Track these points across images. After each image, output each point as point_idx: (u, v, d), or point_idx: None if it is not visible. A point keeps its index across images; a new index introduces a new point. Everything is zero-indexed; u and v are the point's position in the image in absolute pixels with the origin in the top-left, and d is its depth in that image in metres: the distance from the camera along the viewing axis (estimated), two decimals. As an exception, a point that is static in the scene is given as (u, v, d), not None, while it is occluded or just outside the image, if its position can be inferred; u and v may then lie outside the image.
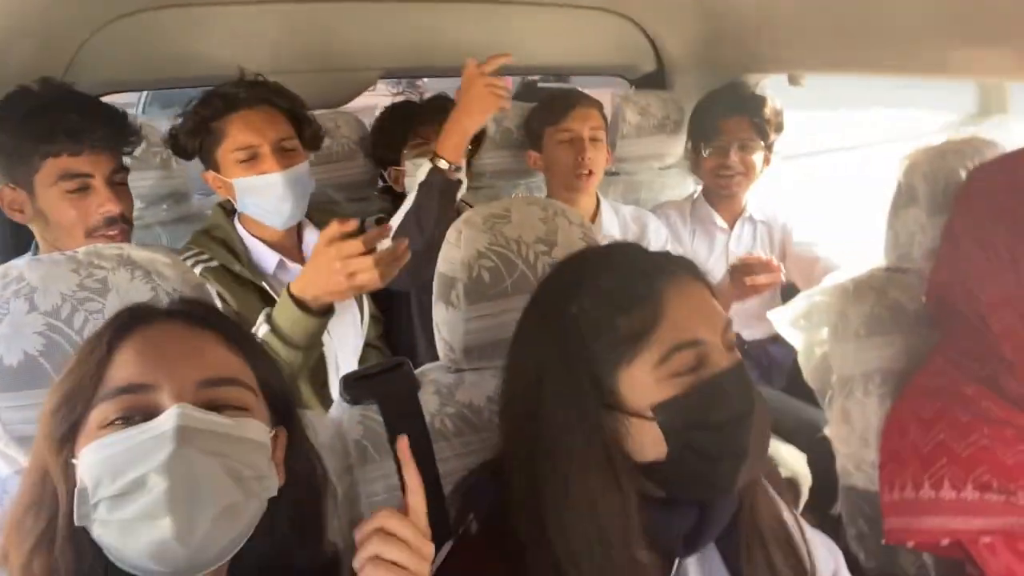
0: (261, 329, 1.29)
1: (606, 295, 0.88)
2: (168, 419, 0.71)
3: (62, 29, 1.73)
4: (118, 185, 1.49)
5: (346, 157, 2.16)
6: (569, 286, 0.92)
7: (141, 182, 1.92)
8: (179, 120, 1.64)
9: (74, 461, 0.72)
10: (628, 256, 0.94)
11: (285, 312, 1.28)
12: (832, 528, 1.51)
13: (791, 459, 1.76)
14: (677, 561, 0.92)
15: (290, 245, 1.72)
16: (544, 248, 1.10)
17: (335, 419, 1.09)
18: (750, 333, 2.26)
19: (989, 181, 1.32)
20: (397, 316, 1.92)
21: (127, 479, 0.69)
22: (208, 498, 0.70)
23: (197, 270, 1.53)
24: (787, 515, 1.01)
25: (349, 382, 1.11)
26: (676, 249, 2.17)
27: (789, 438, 1.88)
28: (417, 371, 1.16)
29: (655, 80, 2.59)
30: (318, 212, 1.81)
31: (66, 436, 0.74)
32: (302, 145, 1.68)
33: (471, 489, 0.96)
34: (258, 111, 1.60)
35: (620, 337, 0.86)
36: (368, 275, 1.21)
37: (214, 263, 1.58)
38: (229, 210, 1.72)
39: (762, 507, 0.95)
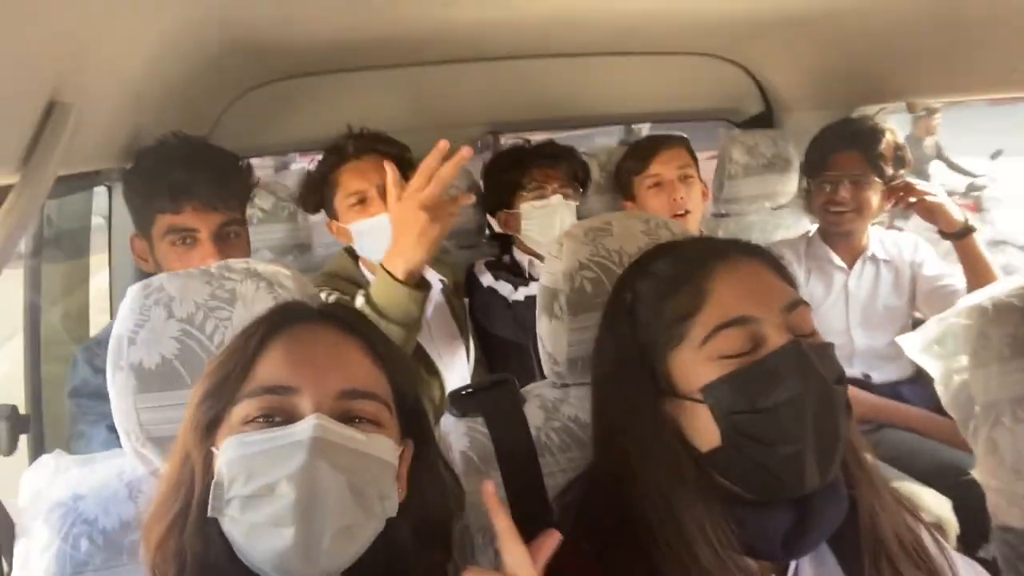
0: (357, 302, 1.32)
1: (657, 280, 0.89)
2: (305, 428, 0.73)
3: (203, 99, 1.93)
4: (229, 238, 1.51)
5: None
6: (628, 276, 0.94)
7: (270, 235, 2.08)
8: (301, 181, 1.83)
9: (214, 450, 0.76)
10: (685, 244, 0.94)
11: (381, 286, 1.29)
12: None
13: (933, 503, 1.61)
14: (794, 565, 0.86)
15: None
16: (647, 259, 1.09)
17: (443, 432, 1.10)
18: (880, 375, 2.12)
19: None
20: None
21: (260, 483, 0.72)
22: (332, 514, 0.72)
23: None
24: (924, 533, 0.93)
25: (456, 396, 1.13)
26: None
27: (929, 483, 1.72)
28: (524, 388, 1.17)
29: (763, 121, 2.56)
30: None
31: (210, 425, 0.78)
32: None
33: (570, 496, 0.96)
34: (365, 160, 1.74)
35: (668, 320, 0.85)
36: (448, 214, 1.26)
37: (346, 297, 1.66)
38: (353, 256, 1.84)
39: (885, 516, 0.88)
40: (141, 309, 0.96)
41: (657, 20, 2.00)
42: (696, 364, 0.84)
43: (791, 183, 2.43)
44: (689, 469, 0.84)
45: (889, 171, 2.07)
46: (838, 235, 2.15)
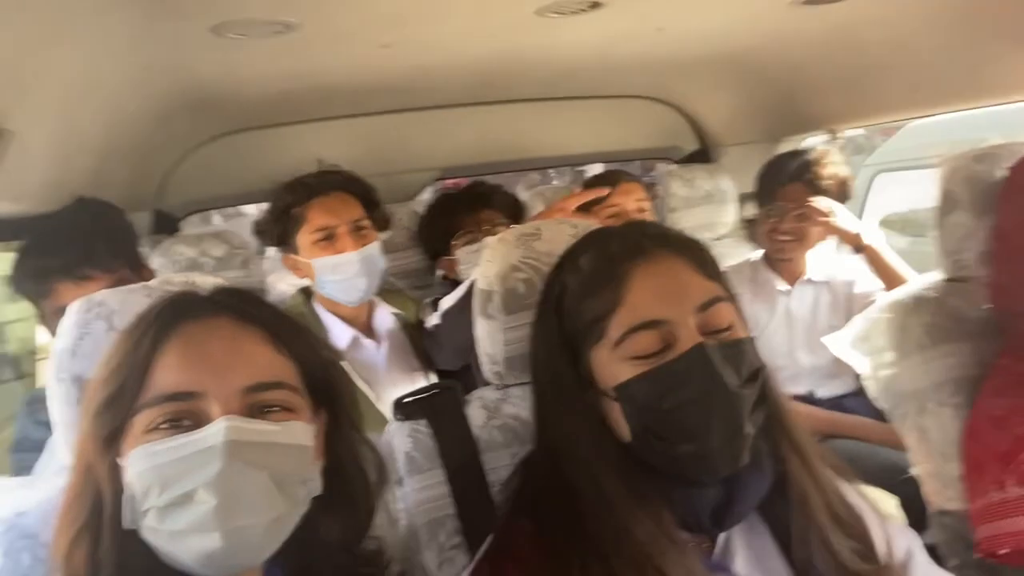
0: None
1: (581, 276, 0.92)
2: (216, 433, 0.71)
3: (152, 151, 1.97)
4: None
5: (406, 247, 2.30)
6: (559, 268, 0.98)
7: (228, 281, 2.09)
8: (264, 212, 1.83)
9: (120, 461, 0.74)
10: (612, 236, 0.96)
11: None
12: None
13: (879, 501, 1.65)
14: (723, 537, 0.89)
15: (363, 322, 1.86)
16: (575, 260, 1.15)
17: (387, 438, 1.13)
18: (825, 391, 2.18)
19: (1030, 174, 1.32)
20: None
21: (176, 492, 0.71)
22: (257, 512, 0.72)
23: None
24: (865, 508, 0.98)
25: (400, 402, 1.15)
26: None
27: (875, 485, 1.76)
28: (467, 395, 1.20)
29: (700, 158, 2.68)
30: (384, 293, 1.95)
31: (110, 437, 0.75)
32: (373, 226, 1.83)
33: (513, 482, 0.98)
34: (333, 196, 1.77)
35: (588, 318, 0.89)
36: None
37: None
38: (308, 294, 1.86)
39: (817, 489, 0.92)
40: (82, 323, 0.98)
41: (591, 64, 2.12)
42: (611, 363, 0.87)
43: (729, 214, 2.54)
44: (614, 454, 0.87)
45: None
46: (780, 261, 2.25)
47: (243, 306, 0.82)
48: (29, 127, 1.14)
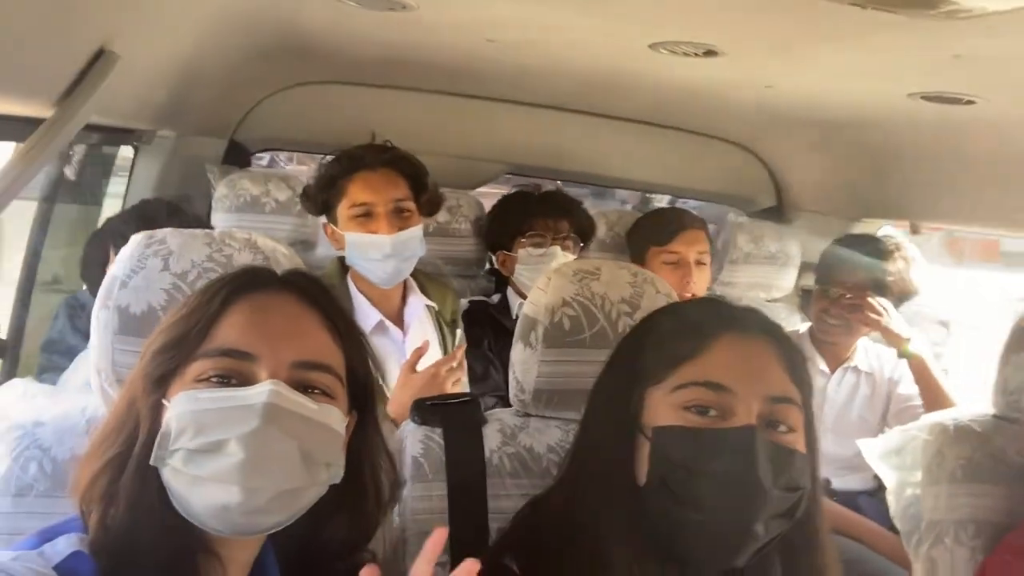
0: None
1: (674, 317, 0.93)
2: (260, 393, 0.74)
3: (245, 86, 2.00)
4: None
5: (462, 234, 2.30)
6: (652, 315, 0.99)
7: (279, 225, 2.12)
8: (310, 179, 1.77)
9: (164, 402, 0.77)
10: (712, 300, 0.96)
11: None
12: None
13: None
14: None
15: (393, 306, 1.79)
16: (627, 309, 1.13)
17: (401, 435, 1.13)
18: (842, 483, 2.12)
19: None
20: None
21: (209, 439, 0.73)
22: (278, 477, 0.74)
23: None
24: None
25: (421, 405, 1.15)
26: None
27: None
28: (487, 411, 1.19)
29: (772, 216, 2.63)
30: (426, 279, 1.89)
31: (162, 378, 0.78)
32: (418, 210, 1.75)
33: (514, 525, 0.97)
34: (380, 173, 1.68)
35: (663, 359, 0.89)
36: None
37: None
38: (344, 266, 1.79)
39: None
40: (139, 257, 0.99)
41: (691, 98, 2.08)
42: (662, 405, 0.87)
43: (788, 279, 2.48)
44: (624, 495, 0.86)
45: (890, 298, 2.07)
46: (825, 342, 2.18)
47: (311, 290, 0.85)
48: (134, 50, 1.15)
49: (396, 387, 1.43)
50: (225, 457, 0.73)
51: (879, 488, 2.03)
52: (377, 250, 1.67)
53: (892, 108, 1.67)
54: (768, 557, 0.86)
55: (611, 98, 2.16)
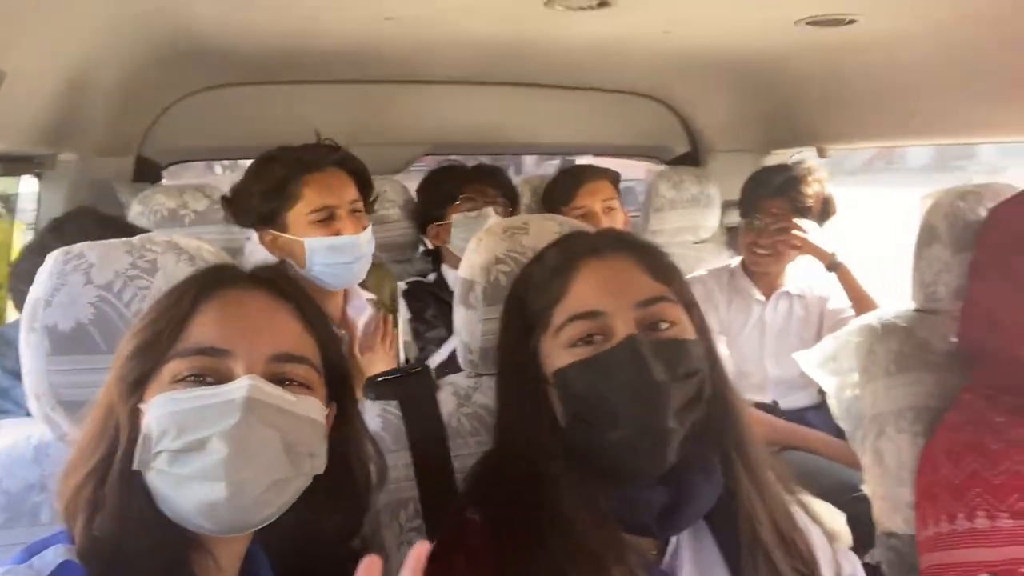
0: None
1: (542, 269, 0.97)
2: (239, 388, 0.74)
3: (143, 97, 1.93)
4: None
5: (391, 219, 2.29)
6: (527, 265, 1.03)
7: (206, 235, 2.05)
8: (243, 187, 1.65)
9: (141, 407, 0.76)
10: (572, 237, 1.02)
11: None
12: (871, 579, 1.43)
13: (827, 516, 1.69)
14: (675, 542, 0.91)
15: (337, 306, 1.76)
16: (561, 257, 1.15)
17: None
18: (788, 402, 2.23)
19: (1012, 214, 1.34)
20: None
21: (191, 437, 0.73)
22: (263, 469, 0.74)
23: None
24: (813, 528, 1.00)
25: (373, 381, 1.15)
26: (710, 316, 2.18)
27: (826, 500, 1.81)
28: (439, 379, 1.21)
29: (689, 161, 2.70)
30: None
31: (137, 382, 0.77)
32: (365, 208, 1.73)
33: (469, 479, 1.00)
34: (330, 174, 1.64)
35: (540, 307, 0.93)
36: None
37: None
38: None
39: (763, 507, 0.94)
40: (59, 274, 0.97)
41: (592, 57, 2.11)
42: (553, 350, 0.91)
43: (712, 219, 2.56)
44: (559, 444, 0.90)
45: (813, 220, 2.17)
46: (758, 272, 2.28)
47: (279, 283, 0.85)
48: (16, 65, 1.11)
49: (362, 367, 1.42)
50: (209, 454, 0.73)
51: (823, 402, 2.14)
52: (348, 253, 1.64)
53: (782, 37, 1.74)
54: (701, 450, 0.90)
55: (516, 65, 2.18)
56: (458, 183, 2.13)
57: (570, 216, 2.18)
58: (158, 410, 0.75)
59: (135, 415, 0.77)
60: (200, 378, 0.76)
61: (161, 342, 0.78)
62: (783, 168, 2.29)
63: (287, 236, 1.63)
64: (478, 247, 1.16)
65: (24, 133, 1.42)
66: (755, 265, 2.25)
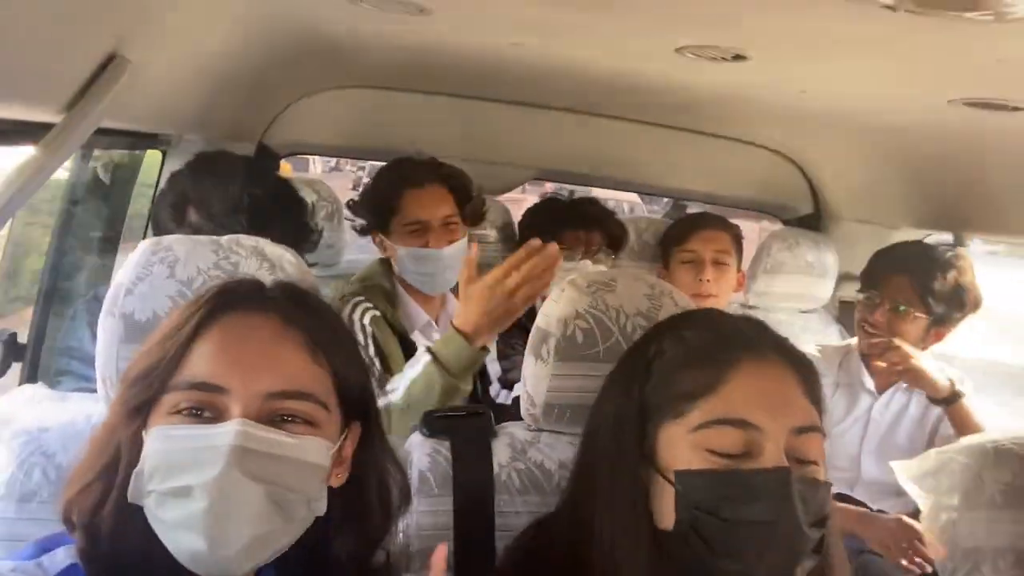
0: (423, 360, 1.37)
1: (683, 346, 0.87)
2: (226, 434, 0.71)
3: (269, 91, 2.00)
4: None
5: (487, 240, 2.29)
6: (658, 330, 0.94)
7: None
8: (364, 190, 1.88)
9: (144, 434, 0.75)
10: (727, 321, 0.92)
11: (450, 344, 1.37)
12: None
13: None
14: None
15: (436, 307, 1.89)
16: (644, 322, 1.08)
17: (408, 448, 1.10)
18: (878, 507, 2.01)
19: None
20: None
21: (176, 483, 0.71)
22: (245, 524, 0.71)
23: (367, 318, 1.68)
24: None
25: (430, 417, 1.13)
26: None
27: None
28: (498, 425, 1.17)
29: (809, 223, 2.55)
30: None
31: (139, 408, 0.76)
32: (463, 221, 1.85)
33: (514, 551, 0.94)
34: (427, 190, 1.79)
35: (676, 392, 0.84)
36: (527, 289, 1.31)
37: (378, 312, 1.71)
38: (390, 268, 1.86)
39: None
40: (145, 264, 0.99)
41: (722, 102, 2.02)
42: (683, 446, 0.82)
43: (825, 289, 2.40)
44: (646, 539, 0.82)
45: (940, 308, 1.90)
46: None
47: (292, 307, 0.81)
48: (148, 55, 1.15)
49: (460, 302, 1.40)
50: (191, 503, 0.71)
51: (916, 514, 1.94)
52: (432, 264, 1.79)
53: (932, 114, 1.60)
54: None
55: (639, 101, 2.12)
56: (557, 225, 2.09)
57: (678, 260, 2.12)
58: (153, 444, 0.73)
59: (137, 440, 0.75)
60: (197, 412, 0.74)
61: (160, 371, 0.76)
62: (918, 244, 2.06)
63: (389, 242, 1.81)
64: (559, 298, 1.11)
65: (150, 117, 1.49)
66: (865, 348, 2.01)
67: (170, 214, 1.44)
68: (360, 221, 1.89)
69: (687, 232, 2.15)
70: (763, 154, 2.47)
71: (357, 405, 0.84)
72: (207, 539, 0.70)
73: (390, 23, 1.51)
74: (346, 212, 2.02)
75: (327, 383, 0.80)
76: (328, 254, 2.17)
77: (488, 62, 1.87)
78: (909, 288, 1.91)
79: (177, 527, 0.71)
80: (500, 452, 1.10)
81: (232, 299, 0.80)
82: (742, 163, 2.48)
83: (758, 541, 0.77)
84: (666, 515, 0.82)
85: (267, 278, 0.99)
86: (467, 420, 1.13)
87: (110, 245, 1.86)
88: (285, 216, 1.53)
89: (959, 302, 1.91)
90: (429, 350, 1.38)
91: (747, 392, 0.82)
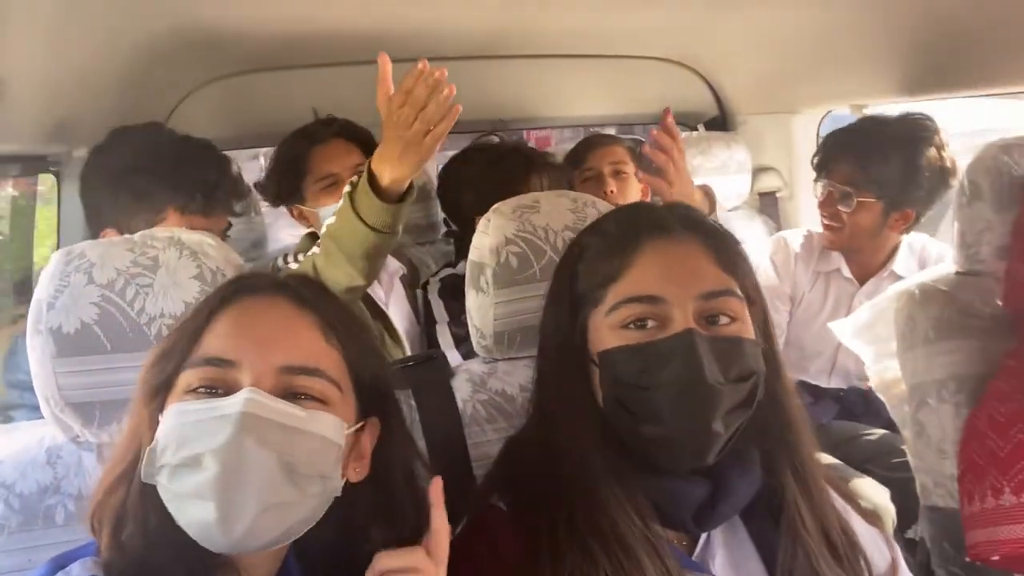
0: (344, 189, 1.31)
1: (600, 239, 0.91)
2: (236, 402, 0.72)
3: (156, 90, 1.92)
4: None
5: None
6: (583, 232, 0.97)
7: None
8: (266, 169, 1.83)
9: (160, 416, 0.75)
10: (640, 209, 0.96)
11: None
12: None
13: (871, 492, 1.64)
14: (704, 537, 0.87)
15: None
16: (572, 235, 1.10)
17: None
18: (850, 381, 2.06)
19: (1057, 169, 1.26)
20: None
21: (187, 453, 0.71)
22: (256, 492, 0.70)
23: None
24: (857, 526, 0.95)
25: (386, 371, 1.13)
26: (785, 284, 2.03)
27: (867, 462, 1.76)
28: (454, 365, 1.18)
29: (718, 125, 2.60)
30: None
31: (158, 389, 0.77)
32: None
33: (496, 466, 0.97)
34: (334, 143, 1.77)
35: (595, 281, 0.88)
36: (445, 123, 1.23)
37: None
38: (315, 240, 1.79)
39: (811, 509, 0.89)
40: (61, 275, 0.96)
41: (610, 23, 2.03)
42: (602, 329, 0.87)
43: (743, 185, 2.47)
44: (595, 421, 0.86)
45: (892, 190, 1.81)
46: (850, 248, 1.97)
47: (304, 291, 0.83)
48: (17, 68, 1.10)
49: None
50: (202, 471, 0.71)
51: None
52: None
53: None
54: (743, 447, 0.86)
55: (528, 35, 2.10)
56: (503, 175, 1.96)
57: (579, 179, 2.13)
58: (168, 421, 0.74)
59: (154, 425, 0.76)
60: (211, 389, 0.75)
61: (177, 351, 0.77)
62: (869, 119, 1.94)
63: (307, 208, 1.76)
64: (487, 228, 1.13)
65: (32, 134, 1.42)
66: (828, 243, 1.98)
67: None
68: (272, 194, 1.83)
69: (583, 153, 2.17)
70: (661, 66, 2.49)
71: (373, 396, 0.84)
72: (217, 506, 0.69)
73: (264, 3, 1.47)
74: (257, 195, 1.98)
75: (340, 365, 0.80)
76: (251, 238, 2.14)
77: (373, 21, 1.84)
78: (854, 171, 1.84)
79: (188, 497, 0.71)
80: (461, 388, 1.12)
81: (246, 285, 0.82)
82: (644, 80, 2.50)
83: (671, 402, 0.81)
84: (599, 396, 0.87)
85: (192, 266, 0.99)
86: (423, 366, 1.15)
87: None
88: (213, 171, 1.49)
89: (914, 181, 1.79)
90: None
91: (651, 269, 0.86)
